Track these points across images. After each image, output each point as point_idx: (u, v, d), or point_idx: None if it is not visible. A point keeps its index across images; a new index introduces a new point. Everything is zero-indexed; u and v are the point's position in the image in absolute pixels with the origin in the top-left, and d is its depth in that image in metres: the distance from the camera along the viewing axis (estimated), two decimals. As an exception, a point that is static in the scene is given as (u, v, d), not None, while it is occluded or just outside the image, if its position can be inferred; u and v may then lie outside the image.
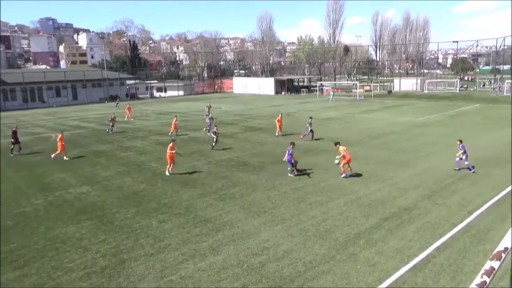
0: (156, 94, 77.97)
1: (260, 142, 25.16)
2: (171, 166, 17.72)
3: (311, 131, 25.23)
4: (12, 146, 23.03)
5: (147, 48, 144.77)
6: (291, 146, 16.74)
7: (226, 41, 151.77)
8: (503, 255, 2.03)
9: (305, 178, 16.40)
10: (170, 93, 77.42)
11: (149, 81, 79.89)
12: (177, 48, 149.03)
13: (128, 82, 75.37)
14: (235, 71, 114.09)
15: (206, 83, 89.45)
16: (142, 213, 12.92)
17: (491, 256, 2.03)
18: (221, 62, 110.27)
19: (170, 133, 28.42)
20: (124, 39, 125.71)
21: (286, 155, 16.65)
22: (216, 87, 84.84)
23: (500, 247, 2.11)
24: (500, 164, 17.71)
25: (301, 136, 25.10)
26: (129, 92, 73.90)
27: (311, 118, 26.69)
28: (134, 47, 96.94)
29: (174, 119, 29.30)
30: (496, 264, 1.98)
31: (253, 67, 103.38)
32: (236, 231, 11.29)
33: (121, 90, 71.48)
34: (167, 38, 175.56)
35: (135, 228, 11.67)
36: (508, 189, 14.04)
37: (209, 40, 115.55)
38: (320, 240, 10.51)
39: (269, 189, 15.04)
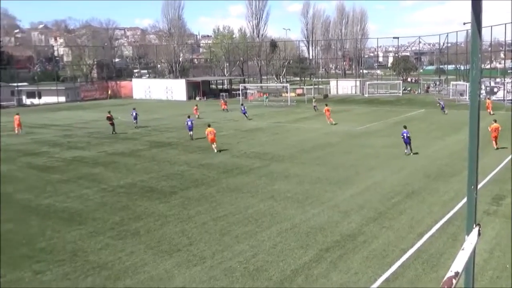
0: (27, 100, 73.23)
1: (171, 161, 24.87)
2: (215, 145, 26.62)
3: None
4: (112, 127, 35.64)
5: (12, 39, 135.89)
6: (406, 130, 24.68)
7: (122, 32, 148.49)
8: (454, 281, 2.26)
9: (226, 204, 16.52)
10: (46, 99, 73.22)
11: (15, 84, 74.78)
12: (55, 40, 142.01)
13: (-15, 85, 69.81)
14: (135, 71, 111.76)
15: (97, 86, 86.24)
16: (9, 263, 11.97)
17: (441, 284, 2.24)
18: (116, 60, 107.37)
19: None
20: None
21: (404, 138, 24.47)
22: (110, 91, 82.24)
23: (450, 273, 2.34)
24: (448, 178, 19.55)
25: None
26: (-14, 99, 68.37)
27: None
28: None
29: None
30: (447, 292, 2.19)
31: (159, 66, 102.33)
32: (141, 278, 10.95)
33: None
34: (40, 26, 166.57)
35: (-1, 285, 10.75)
36: (459, 205, 15.52)
37: (99, 30, 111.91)
38: (250, 281, 10.61)
39: (183, 221, 14.89)
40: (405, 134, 24.62)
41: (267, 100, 61.90)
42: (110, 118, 36.23)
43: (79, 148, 29.89)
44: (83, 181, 20.91)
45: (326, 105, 41.73)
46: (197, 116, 43.47)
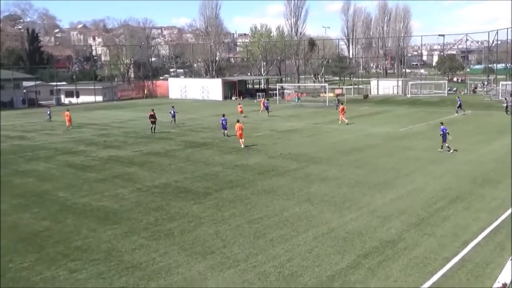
0: (65, 100, 75.71)
1: (205, 161, 25.11)
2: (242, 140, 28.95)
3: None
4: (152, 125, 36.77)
5: (52, 39, 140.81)
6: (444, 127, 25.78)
7: (159, 31, 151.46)
8: (501, 293, 2.17)
9: (261, 207, 16.54)
10: (84, 98, 75.50)
11: (54, 83, 77.50)
12: (93, 39, 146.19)
13: (26, 84, 72.53)
14: (171, 70, 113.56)
15: (133, 85, 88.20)
16: (45, 260, 12.36)
17: (487, 296, 2.16)
18: (153, 59, 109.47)
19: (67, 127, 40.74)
20: (20, 27, 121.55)
21: (443, 134, 25.50)
22: (146, 90, 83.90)
23: (497, 284, 2.25)
24: (495, 184, 18.90)
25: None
26: (26, 97, 71.04)
27: None
28: (33, 37, 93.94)
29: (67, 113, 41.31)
30: (493, 304, 2.11)
31: (195, 65, 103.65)
32: (175, 279, 11.09)
33: (16, 95, 68.59)
34: (79, 26, 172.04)
35: (35, 282, 11.12)
36: (507, 213, 14.97)
37: (136, 29, 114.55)
38: (285, 286, 10.57)
39: (217, 223, 14.99)
40: (445, 131, 25.66)
41: (299, 100, 61.92)
42: (153, 116, 36.92)
43: (115, 147, 30.60)
44: (118, 180, 21.39)
45: (342, 103, 45.63)
46: (243, 116, 43.98)
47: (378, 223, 14.59)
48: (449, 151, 25.45)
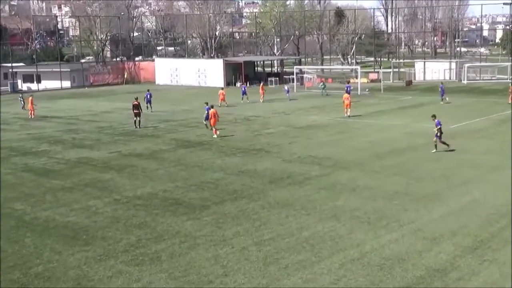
0: (23, 85, 76.11)
1: (202, 166, 25.17)
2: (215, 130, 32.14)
3: None
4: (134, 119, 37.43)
5: (6, 7, 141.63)
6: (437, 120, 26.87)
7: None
8: None
9: (274, 224, 16.55)
10: (47, 83, 75.83)
11: (10, 64, 77.90)
12: (59, 8, 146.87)
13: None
14: (159, 48, 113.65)
15: (110, 68, 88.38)
16: (-2, 290, 12.45)
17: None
18: (135, 34, 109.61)
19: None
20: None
21: (438, 129, 26.74)
22: (126, 74, 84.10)
23: None
24: None
25: None
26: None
27: None
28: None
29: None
30: None
31: (189, 42, 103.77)
32: (162, 316, 11.13)
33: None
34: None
35: (-14, 318, 11.20)
36: None
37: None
38: (302, 326, 10.59)
39: (217, 244, 15.00)
40: (439, 125, 27.15)
41: (324, 89, 58.84)
42: (137, 107, 37.05)
43: (87, 146, 30.72)
44: (90, 189, 21.46)
45: (348, 92, 45.15)
46: (225, 104, 45.94)
47: (424, 246, 14.55)
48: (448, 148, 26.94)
